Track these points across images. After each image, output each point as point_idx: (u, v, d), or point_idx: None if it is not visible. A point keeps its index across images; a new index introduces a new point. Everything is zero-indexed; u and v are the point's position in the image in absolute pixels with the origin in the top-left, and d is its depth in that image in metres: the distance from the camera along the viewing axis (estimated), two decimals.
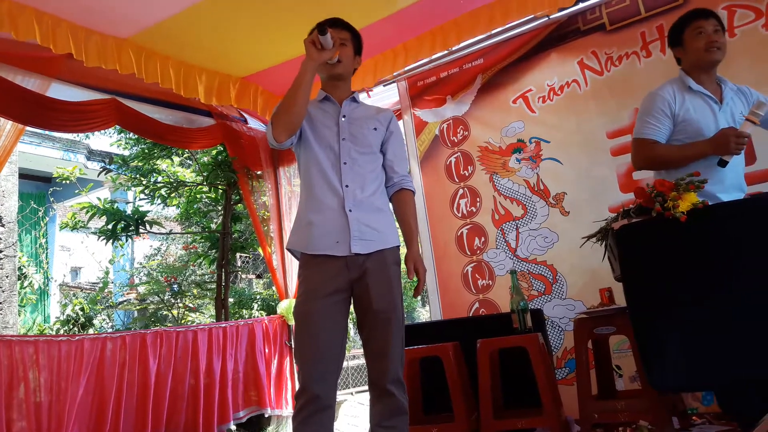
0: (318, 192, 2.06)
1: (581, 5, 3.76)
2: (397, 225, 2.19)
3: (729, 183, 2.28)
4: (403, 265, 2.09)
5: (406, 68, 4.17)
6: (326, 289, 1.96)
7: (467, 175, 4.19)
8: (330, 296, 1.95)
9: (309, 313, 1.94)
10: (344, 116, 2.15)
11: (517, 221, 3.92)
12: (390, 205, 2.20)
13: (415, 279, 2.06)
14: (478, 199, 4.12)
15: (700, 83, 2.38)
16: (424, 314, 12.30)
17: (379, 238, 2.03)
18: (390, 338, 1.94)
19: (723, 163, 2.21)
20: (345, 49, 2.15)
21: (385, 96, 4.68)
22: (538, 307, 3.46)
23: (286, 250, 3.77)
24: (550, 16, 3.87)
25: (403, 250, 2.13)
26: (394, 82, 4.56)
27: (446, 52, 4.24)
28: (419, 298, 12.38)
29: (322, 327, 1.92)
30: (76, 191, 5.61)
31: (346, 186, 2.04)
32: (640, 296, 1.89)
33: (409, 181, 2.21)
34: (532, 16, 3.81)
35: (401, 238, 2.16)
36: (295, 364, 2.40)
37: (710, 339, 1.73)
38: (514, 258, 3.89)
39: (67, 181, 5.31)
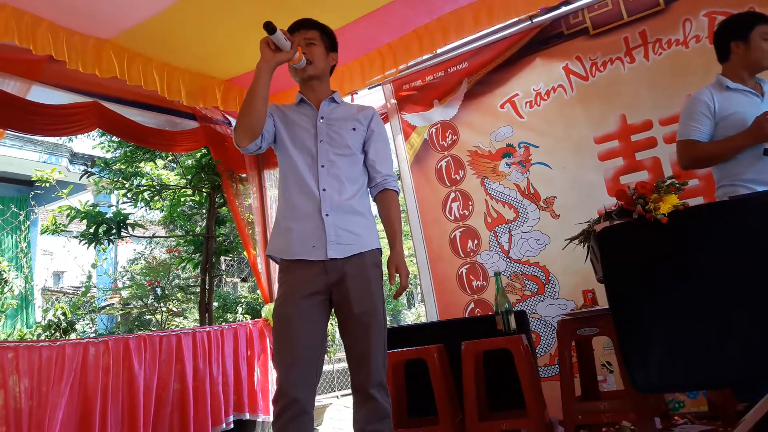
0: (294, 198, 2.01)
1: (564, 9, 3.80)
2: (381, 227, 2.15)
3: None
4: (385, 269, 2.04)
5: (392, 71, 4.15)
6: (304, 291, 1.92)
7: (458, 179, 4.21)
8: (308, 298, 1.92)
9: (286, 315, 1.90)
10: (322, 118, 2.10)
11: (509, 224, 3.95)
12: (372, 207, 2.13)
13: (397, 282, 2.00)
14: (470, 203, 4.14)
15: (741, 81, 2.44)
16: (409, 317, 12.29)
17: (357, 242, 1.98)
18: (371, 342, 1.90)
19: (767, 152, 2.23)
20: (314, 48, 2.08)
21: (370, 100, 4.69)
22: (523, 309, 3.49)
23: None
24: (534, 20, 3.89)
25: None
26: (379, 85, 4.56)
27: (431, 55, 4.24)
28: (405, 300, 12.37)
29: (299, 329, 1.88)
30: (55, 193, 5.54)
31: (323, 190, 1.99)
32: (621, 298, 1.90)
33: (393, 181, 2.14)
34: (517, 18, 3.82)
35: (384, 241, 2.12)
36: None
37: (687, 341, 1.74)
38: (507, 260, 3.92)
39: (47, 184, 5.24)
